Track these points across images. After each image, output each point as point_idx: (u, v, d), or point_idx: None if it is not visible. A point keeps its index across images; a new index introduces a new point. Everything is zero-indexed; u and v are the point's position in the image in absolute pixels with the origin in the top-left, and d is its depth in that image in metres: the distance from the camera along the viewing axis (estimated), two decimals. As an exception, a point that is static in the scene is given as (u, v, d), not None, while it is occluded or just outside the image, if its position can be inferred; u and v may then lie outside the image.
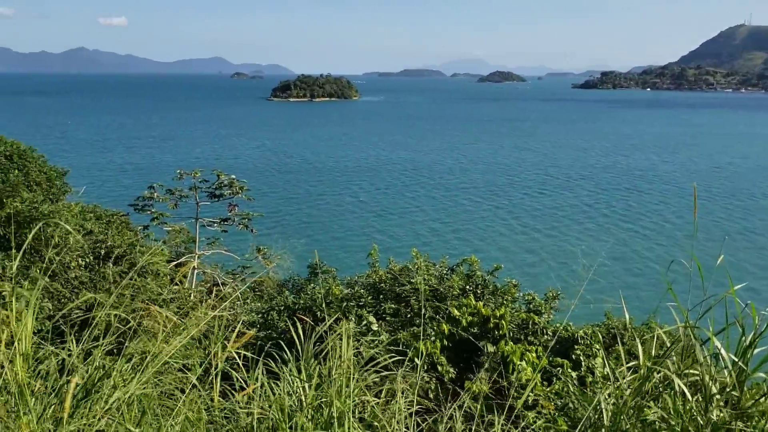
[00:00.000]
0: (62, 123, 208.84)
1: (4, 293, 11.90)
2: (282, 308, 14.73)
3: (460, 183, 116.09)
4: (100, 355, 4.15)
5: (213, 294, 25.71)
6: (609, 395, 4.66)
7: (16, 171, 20.93)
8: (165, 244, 28.21)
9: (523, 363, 12.00)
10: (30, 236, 7.00)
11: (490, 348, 12.56)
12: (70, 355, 4.23)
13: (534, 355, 12.29)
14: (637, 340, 4.67)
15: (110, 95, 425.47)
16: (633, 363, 4.68)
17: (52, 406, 3.86)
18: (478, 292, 15.14)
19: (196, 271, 26.97)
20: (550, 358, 12.66)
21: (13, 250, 14.89)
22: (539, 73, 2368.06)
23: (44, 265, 16.19)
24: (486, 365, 12.00)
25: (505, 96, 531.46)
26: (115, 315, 4.57)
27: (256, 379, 5.05)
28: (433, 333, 12.82)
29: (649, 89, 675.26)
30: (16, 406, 3.69)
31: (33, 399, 3.79)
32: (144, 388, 4.11)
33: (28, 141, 28.40)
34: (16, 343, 3.76)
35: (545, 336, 13.85)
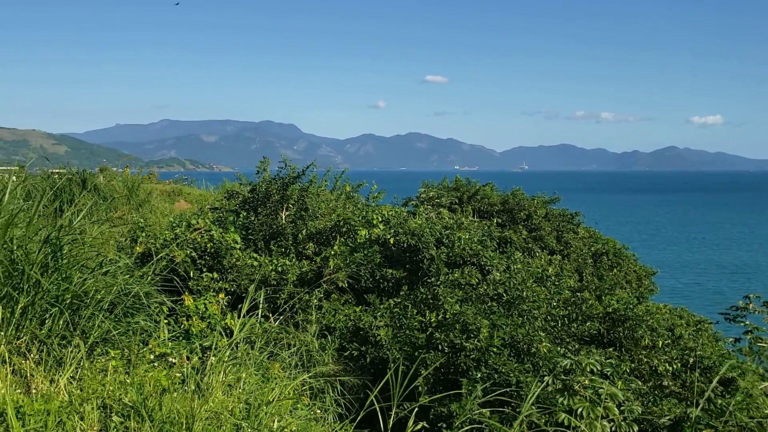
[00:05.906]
0: (651, 220, 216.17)
1: (597, 386, 12.71)
2: None
3: None
4: None
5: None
6: None
7: (615, 270, 22.44)
8: None
9: None
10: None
11: None
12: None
13: None
14: None
15: (699, 193, 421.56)
16: None
17: None
18: None
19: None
20: None
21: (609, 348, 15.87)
22: None
23: (636, 365, 16.68)
24: None
25: None
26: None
27: None
28: None
29: None
30: None
31: None
32: None
33: (621, 238, 30.24)
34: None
35: None
